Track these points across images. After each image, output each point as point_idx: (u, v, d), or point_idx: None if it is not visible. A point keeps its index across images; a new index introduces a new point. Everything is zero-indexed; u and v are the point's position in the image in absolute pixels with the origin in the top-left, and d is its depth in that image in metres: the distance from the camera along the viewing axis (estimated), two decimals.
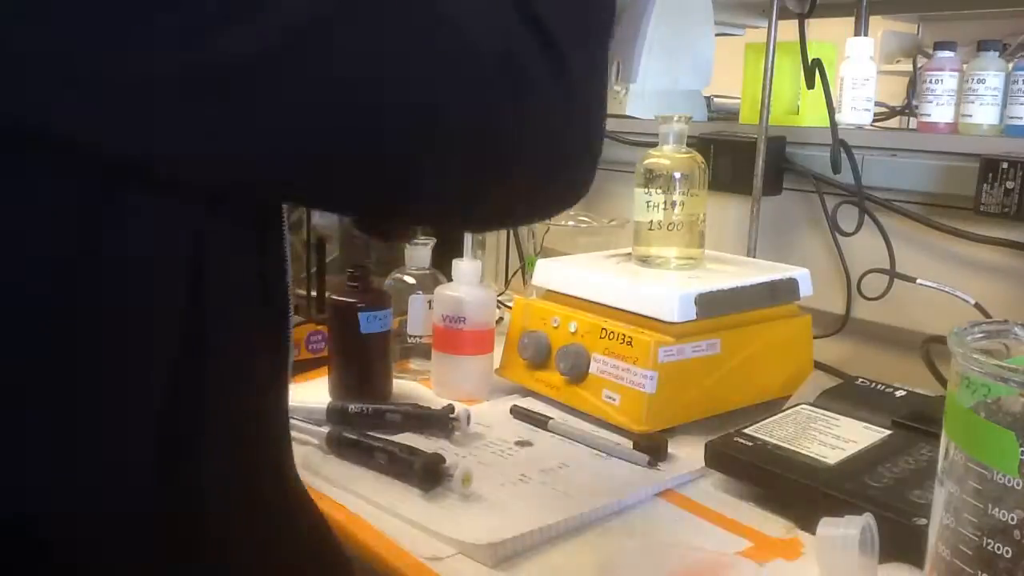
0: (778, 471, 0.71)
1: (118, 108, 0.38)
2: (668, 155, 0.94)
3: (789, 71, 1.12)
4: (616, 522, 0.71)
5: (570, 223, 1.23)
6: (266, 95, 0.39)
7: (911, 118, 1.30)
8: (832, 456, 0.73)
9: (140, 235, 0.42)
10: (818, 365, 1.00)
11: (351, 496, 0.73)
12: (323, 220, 1.21)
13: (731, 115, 1.35)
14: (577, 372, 0.89)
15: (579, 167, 0.49)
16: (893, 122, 1.40)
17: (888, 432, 0.78)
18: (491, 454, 0.82)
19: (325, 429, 0.81)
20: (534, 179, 0.48)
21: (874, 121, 1.17)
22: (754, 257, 1.10)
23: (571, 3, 0.47)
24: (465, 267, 0.95)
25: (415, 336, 1.02)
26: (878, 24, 2.03)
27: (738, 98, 1.25)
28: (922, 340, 0.93)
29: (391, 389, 0.95)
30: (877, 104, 1.16)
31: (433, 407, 0.87)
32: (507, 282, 1.47)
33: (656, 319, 0.86)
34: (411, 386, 0.99)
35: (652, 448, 0.80)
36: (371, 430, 0.81)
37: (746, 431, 0.77)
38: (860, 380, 0.90)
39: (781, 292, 0.94)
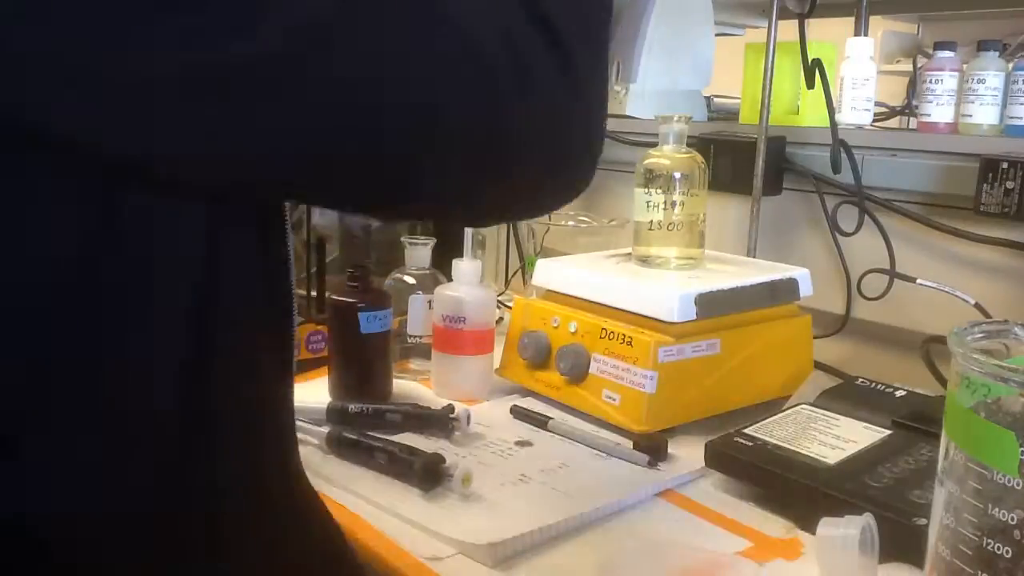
0: (778, 471, 0.71)
1: (118, 108, 0.38)
2: (668, 155, 0.94)
3: (789, 71, 1.12)
4: (616, 522, 0.71)
5: (570, 223, 1.23)
6: (266, 95, 0.39)
7: (911, 118, 1.30)
8: (832, 456, 0.73)
9: (142, 236, 0.43)
10: (818, 365, 1.00)
11: (351, 496, 0.73)
12: (323, 220, 1.21)
13: (731, 115, 1.35)
14: (577, 372, 0.89)
15: (579, 167, 0.49)
16: (893, 122, 1.40)
17: (888, 432, 0.78)
18: (491, 454, 0.82)
19: (325, 429, 0.81)
20: (534, 177, 0.48)
21: (874, 121, 1.17)
22: (754, 257, 1.10)
23: (575, 2, 0.47)
24: (465, 267, 0.95)
25: (415, 336, 1.02)
26: (878, 24, 2.03)
27: (738, 98, 1.25)
28: (922, 340, 0.93)
29: (391, 389, 0.95)
30: (877, 104, 1.16)
31: (433, 407, 0.87)
32: (507, 282, 1.47)
33: (656, 319, 0.86)
34: (411, 386, 0.99)
35: (652, 448, 0.80)
36: (371, 430, 0.81)
37: (746, 431, 0.77)
38: (860, 380, 0.90)
39: (781, 292, 0.94)
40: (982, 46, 1.02)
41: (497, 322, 1.04)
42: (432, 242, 1.04)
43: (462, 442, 0.84)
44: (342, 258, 1.36)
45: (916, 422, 0.78)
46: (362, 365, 0.93)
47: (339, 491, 0.74)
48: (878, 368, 0.97)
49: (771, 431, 0.77)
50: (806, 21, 1.05)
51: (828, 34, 1.18)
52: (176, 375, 0.45)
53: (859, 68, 1.09)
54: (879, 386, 0.87)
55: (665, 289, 0.87)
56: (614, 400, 0.86)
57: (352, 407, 0.86)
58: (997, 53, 1.02)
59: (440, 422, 0.85)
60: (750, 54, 1.18)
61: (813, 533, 0.61)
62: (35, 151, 0.39)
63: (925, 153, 1.00)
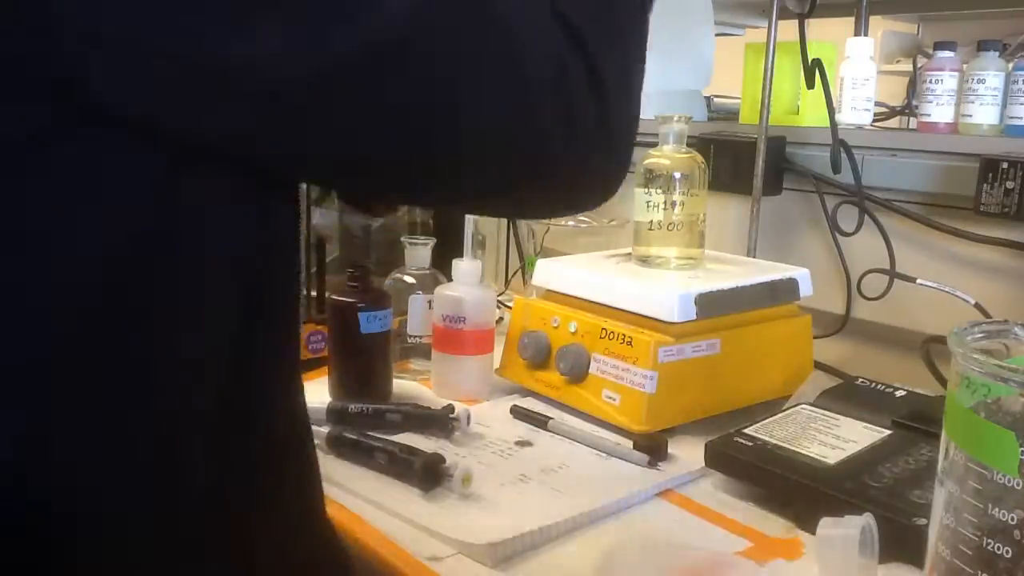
0: (778, 471, 0.71)
1: (221, 101, 0.40)
2: (668, 155, 0.94)
3: (789, 71, 1.12)
4: (616, 522, 0.71)
5: (570, 223, 1.23)
6: (349, 96, 0.41)
7: (911, 118, 1.31)
8: (832, 456, 0.73)
9: (195, 236, 0.43)
10: (818, 365, 1.00)
11: (351, 496, 0.73)
12: (323, 220, 1.21)
13: (731, 115, 1.35)
14: (577, 372, 0.89)
15: (606, 169, 0.52)
16: (893, 122, 1.40)
17: (888, 432, 0.78)
18: (491, 454, 0.82)
19: (325, 429, 0.81)
20: (556, 185, 0.50)
21: (874, 121, 1.17)
22: (754, 257, 1.10)
23: (597, 4, 0.48)
24: (465, 267, 0.95)
25: (415, 336, 1.02)
26: (878, 24, 2.03)
27: (738, 98, 1.25)
28: (922, 340, 0.93)
29: (391, 389, 0.95)
30: (877, 104, 1.16)
31: (433, 407, 0.87)
32: (507, 282, 1.47)
33: (656, 319, 0.86)
34: (411, 386, 0.99)
35: (652, 448, 0.80)
36: (371, 430, 0.81)
37: (746, 431, 0.77)
38: (860, 380, 0.90)
39: (781, 292, 0.94)
40: (982, 46, 1.02)
41: (497, 322, 1.04)
42: (432, 242, 1.04)
43: (462, 442, 0.84)
44: (342, 258, 1.36)
45: (916, 422, 0.78)
46: (362, 365, 0.93)
47: (339, 491, 0.74)
48: (878, 368, 0.97)
49: (771, 431, 0.77)
50: (806, 21, 1.05)
51: (828, 34, 1.18)
52: (222, 375, 0.46)
53: (859, 68, 1.09)
54: (879, 386, 0.87)
55: (665, 289, 0.87)
56: (614, 400, 0.86)
57: (352, 407, 0.86)
58: (997, 53, 1.02)
59: (440, 422, 0.85)
60: (750, 54, 1.18)
61: (813, 533, 0.61)
62: (113, 140, 0.40)
63: (925, 153, 1.00)
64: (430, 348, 0.98)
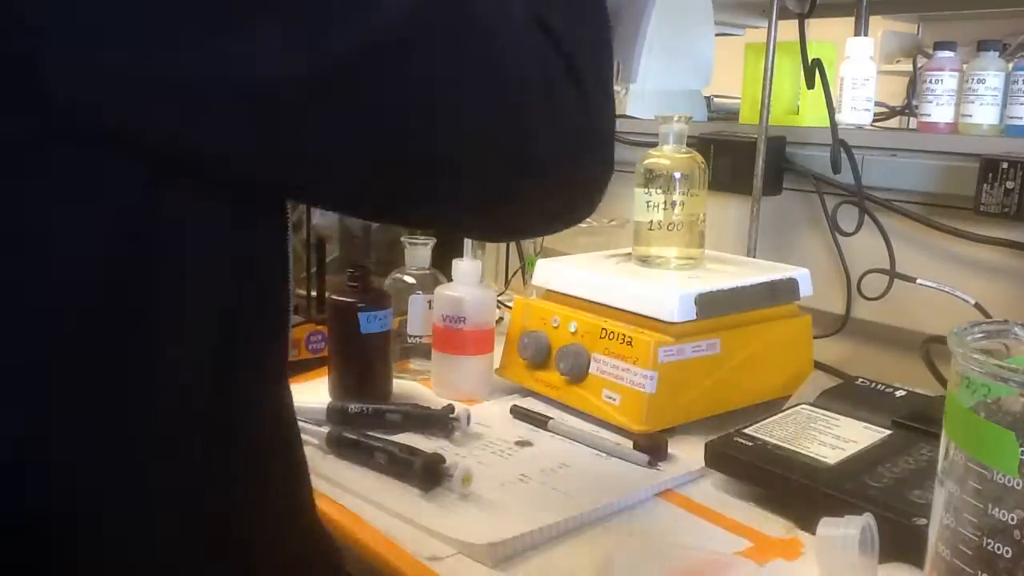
0: (778, 471, 0.71)
1: (202, 109, 0.39)
2: (668, 155, 0.94)
3: (789, 71, 1.12)
4: (616, 522, 0.71)
5: None
6: (347, 98, 0.41)
7: (911, 118, 1.30)
8: (832, 456, 0.73)
9: (176, 241, 0.43)
10: (818, 365, 1.00)
11: (351, 496, 0.73)
12: (323, 220, 1.21)
13: (731, 115, 1.35)
14: (577, 372, 0.89)
15: (592, 169, 0.51)
16: (893, 122, 1.40)
17: (888, 432, 0.78)
18: (491, 454, 0.82)
19: (325, 429, 0.81)
20: (551, 183, 0.49)
21: (874, 121, 1.17)
22: (754, 257, 1.10)
23: (578, 17, 0.48)
24: (465, 267, 0.95)
25: (415, 336, 1.02)
26: (878, 24, 2.03)
27: (738, 98, 1.25)
28: (922, 340, 0.93)
29: (391, 389, 0.95)
30: (877, 104, 1.16)
31: (433, 407, 0.87)
32: (507, 282, 1.47)
33: (656, 319, 0.86)
34: (411, 386, 0.99)
35: (652, 448, 0.80)
36: (371, 430, 0.81)
37: (746, 431, 0.77)
38: (860, 380, 0.90)
39: (781, 292, 0.94)
40: (982, 46, 1.02)
41: (497, 322, 1.04)
42: (432, 242, 1.04)
43: (462, 442, 0.84)
44: (342, 258, 1.36)
45: (916, 422, 0.78)
46: (362, 365, 0.93)
47: (339, 491, 0.74)
48: (878, 368, 0.97)
49: (771, 431, 0.77)
50: (806, 21, 1.05)
51: (828, 34, 1.18)
52: (210, 373, 0.46)
53: (859, 68, 1.09)
54: (879, 386, 0.87)
55: (665, 289, 0.87)
56: (614, 400, 0.86)
57: (352, 407, 0.86)
58: (997, 53, 1.02)
59: (440, 422, 0.85)
60: (750, 54, 1.18)
61: (813, 533, 0.61)
62: (102, 151, 0.40)
63: (925, 153, 1.00)
64: (430, 348, 0.98)
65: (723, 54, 1.38)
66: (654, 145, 0.96)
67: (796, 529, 0.70)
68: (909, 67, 1.71)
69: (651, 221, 0.94)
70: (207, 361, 0.46)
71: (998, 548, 0.46)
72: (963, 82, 1.03)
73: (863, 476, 0.69)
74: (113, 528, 0.44)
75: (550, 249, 1.19)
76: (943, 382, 0.89)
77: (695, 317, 0.85)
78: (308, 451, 0.80)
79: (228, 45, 0.38)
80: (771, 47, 1.07)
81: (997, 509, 0.46)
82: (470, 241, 0.96)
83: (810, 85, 1.06)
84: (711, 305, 0.87)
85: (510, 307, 1.07)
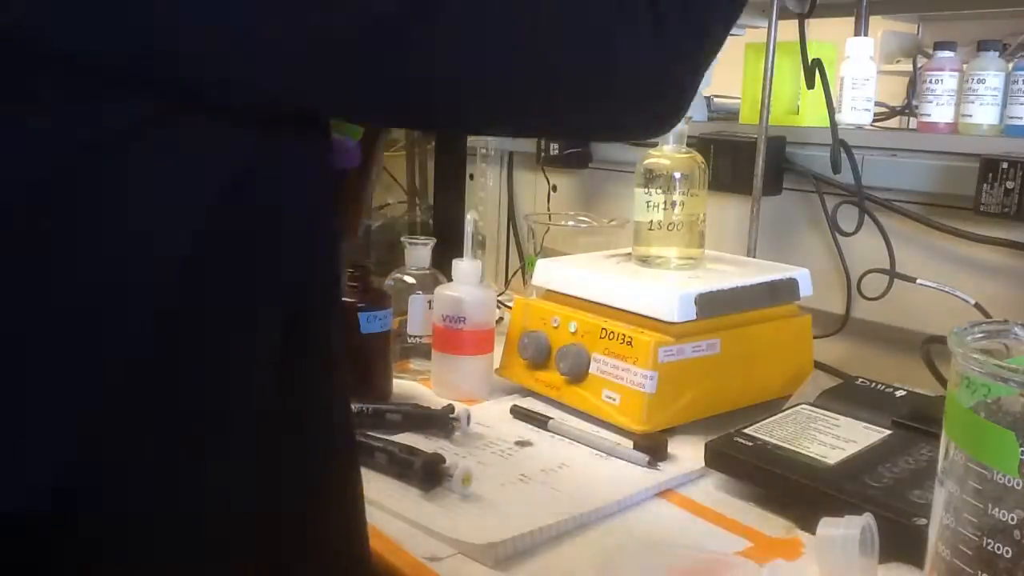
0: (778, 471, 0.71)
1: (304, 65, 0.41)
2: (668, 155, 0.94)
3: (789, 71, 1.12)
4: (616, 522, 0.71)
5: (570, 223, 1.23)
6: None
7: (911, 118, 1.30)
8: (832, 456, 0.73)
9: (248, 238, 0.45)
10: (818, 365, 1.00)
11: None
12: None
13: (731, 115, 1.35)
14: (577, 372, 0.89)
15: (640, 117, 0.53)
16: (893, 122, 1.40)
17: (888, 432, 0.78)
18: (491, 454, 0.82)
19: None
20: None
21: (874, 121, 1.17)
22: (754, 257, 1.10)
23: None
24: (465, 267, 0.95)
25: (415, 336, 1.02)
26: (878, 24, 2.02)
27: (738, 98, 1.25)
28: (922, 340, 0.93)
29: (391, 389, 0.95)
30: (877, 104, 1.16)
31: (433, 407, 0.87)
32: (507, 282, 1.47)
33: (656, 319, 0.86)
34: (411, 386, 0.99)
35: (652, 448, 0.80)
36: (371, 430, 0.81)
37: (746, 431, 0.77)
38: (860, 380, 0.90)
39: (781, 292, 0.94)
40: (982, 46, 1.02)
41: (497, 322, 1.04)
42: (432, 242, 1.04)
43: (462, 442, 0.84)
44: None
45: (916, 422, 0.78)
46: (362, 365, 0.93)
47: None
48: (878, 368, 0.97)
49: (771, 431, 0.77)
50: (806, 21, 1.05)
51: (828, 34, 1.18)
52: (272, 374, 0.46)
53: (859, 68, 1.09)
54: (879, 386, 0.87)
55: (665, 289, 0.87)
56: (614, 400, 0.86)
57: (352, 407, 0.86)
58: (997, 53, 1.02)
59: (440, 422, 0.85)
60: (750, 54, 1.18)
61: (813, 533, 0.61)
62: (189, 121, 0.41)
63: (925, 153, 1.00)
64: (430, 348, 0.98)
65: (723, 54, 1.37)
66: (654, 145, 0.96)
67: (796, 529, 0.70)
68: (909, 67, 1.71)
69: (651, 221, 0.94)
70: (264, 363, 0.46)
71: (998, 548, 0.46)
72: (963, 82, 1.03)
73: (863, 476, 0.69)
74: (138, 528, 0.44)
75: (550, 249, 1.19)
76: (943, 382, 0.89)
77: (695, 317, 0.85)
78: None
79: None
80: (771, 47, 1.07)
81: (997, 509, 0.46)
82: (470, 241, 0.96)
83: (810, 85, 1.06)
84: (711, 305, 0.87)
85: (510, 307, 1.07)
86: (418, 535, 0.67)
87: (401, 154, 1.56)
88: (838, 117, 1.06)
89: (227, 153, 0.43)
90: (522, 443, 0.84)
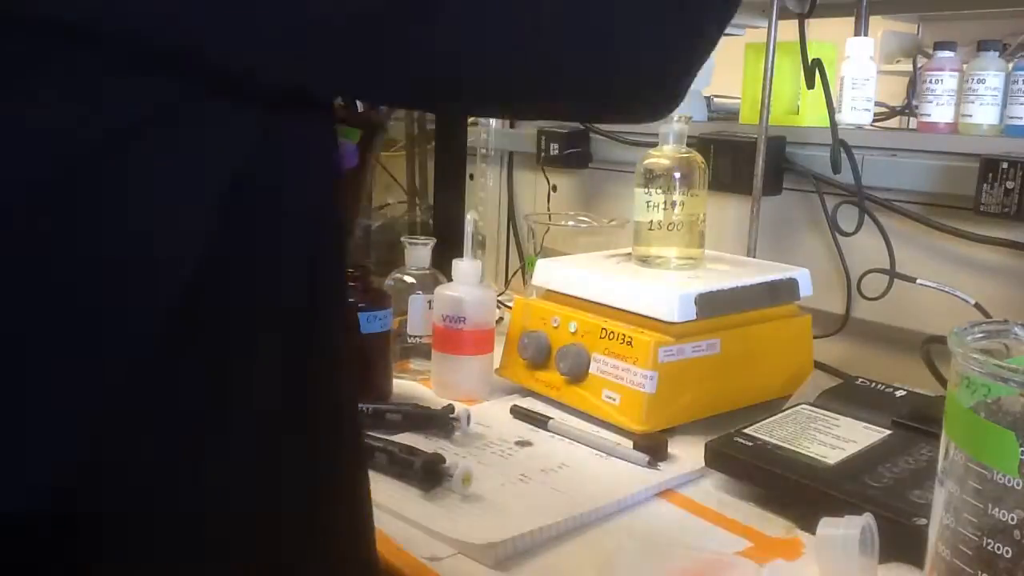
0: (778, 471, 0.71)
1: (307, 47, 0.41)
2: (668, 155, 0.94)
3: (789, 71, 1.12)
4: (616, 522, 0.71)
5: (570, 223, 1.23)
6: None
7: (911, 118, 1.30)
8: (832, 456, 0.73)
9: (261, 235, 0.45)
10: (818, 365, 1.00)
11: None
12: None
13: (731, 115, 1.35)
14: (577, 372, 0.89)
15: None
16: (893, 122, 1.40)
17: (888, 432, 0.78)
18: (491, 454, 0.82)
19: None
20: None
21: (874, 121, 1.17)
22: (754, 257, 1.10)
23: None
24: (465, 267, 0.95)
25: (415, 336, 1.02)
26: (878, 24, 2.03)
27: (738, 98, 1.25)
28: (922, 340, 0.93)
29: (391, 389, 0.95)
30: (877, 104, 1.16)
31: (433, 407, 0.87)
32: (507, 282, 1.47)
33: (656, 319, 0.86)
34: (411, 386, 0.99)
35: (652, 448, 0.80)
36: (371, 430, 0.81)
37: (746, 431, 0.77)
38: (860, 380, 0.90)
39: (781, 292, 0.94)
40: (982, 46, 1.02)
41: (497, 322, 1.04)
42: (432, 242, 1.04)
43: (462, 442, 0.84)
44: None
45: (916, 422, 0.78)
46: (362, 365, 0.93)
47: None
48: (878, 368, 0.97)
49: (771, 431, 0.77)
50: (806, 21, 1.05)
51: (828, 34, 1.18)
52: (277, 373, 0.46)
53: (859, 68, 1.09)
54: (879, 386, 0.87)
55: (665, 289, 0.87)
56: (614, 400, 0.86)
57: None
58: (997, 53, 1.02)
59: (440, 422, 0.85)
60: (750, 54, 1.18)
61: (813, 533, 0.61)
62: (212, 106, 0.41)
63: (925, 153, 1.00)
64: (430, 348, 0.98)
65: (723, 54, 1.37)
66: (654, 145, 0.96)
67: (796, 529, 0.70)
68: (909, 67, 1.71)
69: (651, 221, 0.94)
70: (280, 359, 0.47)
71: (998, 548, 0.46)
72: (963, 82, 1.03)
73: (863, 476, 0.69)
74: (139, 528, 0.44)
75: (550, 249, 1.19)
76: (943, 382, 0.89)
77: (695, 317, 0.85)
78: None
79: None
80: (771, 47, 1.07)
81: (997, 509, 0.46)
82: (470, 241, 0.96)
83: (810, 85, 1.06)
84: (711, 305, 0.87)
85: (510, 307, 1.07)
86: (418, 535, 0.67)
87: (401, 154, 1.56)
88: (838, 117, 1.06)
89: (228, 152, 0.43)
90: (522, 443, 0.84)
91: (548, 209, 1.40)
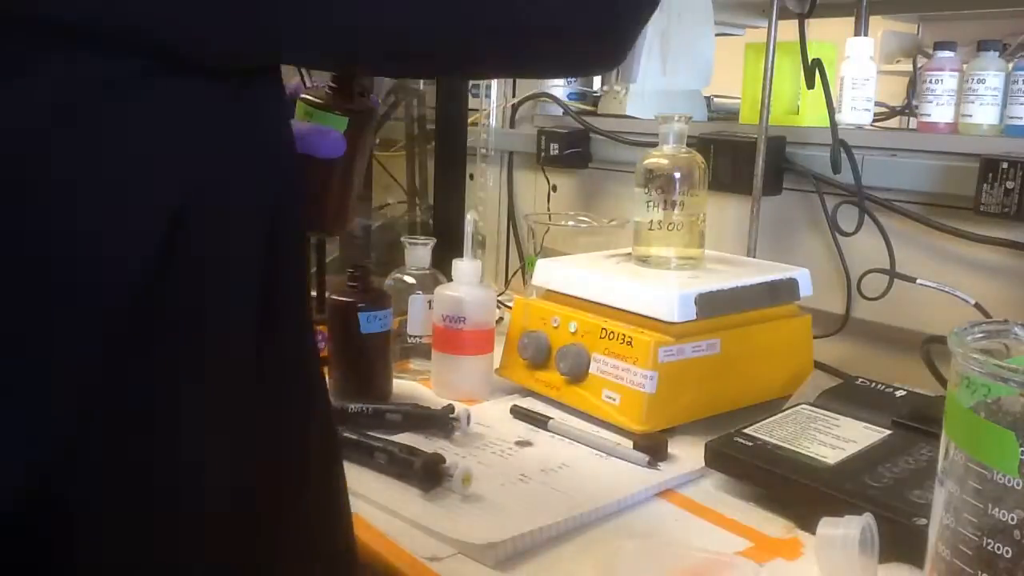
0: (778, 471, 0.71)
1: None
2: (668, 155, 0.94)
3: (789, 71, 1.12)
4: (616, 522, 0.71)
5: (570, 223, 1.23)
6: None
7: (911, 118, 1.30)
8: (832, 456, 0.73)
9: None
10: (818, 365, 1.00)
11: (351, 496, 0.73)
12: None
13: (731, 115, 1.35)
14: (577, 372, 0.89)
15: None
16: (893, 122, 1.40)
17: (888, 432, 0.78)
18: (491, 454, 0.82)
19: None
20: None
21: (874, 121, 1.17)
22: (754, 257, 1.10)
23: None
24: (465, 267, 0.95)
25: (415, 336, 1.02)
26: (878, 24, 2.03)
27: (738, 98, 1.25)
28: (922, 340, 0.93)
29: (391, 389, 0.95)
30: (877, 104, 1.16)
31: (433, 407, 0.87)
32: (507, 282, 1.47)
33: (656, 319, 0.86)
34: (411, 386, 0.99)
35: (652, 448, 0.80)
36: (371, 430, 0.81)
37: (746, 431, 0.77)
38: (860, 380, 0.90)
39: (781, 292, 0.94)
40: (982, 46, 1.02)
41: (497, 322, 1.04)
42: (432, 242, 1.04)
43: (462, 442, 0.84)
44: (342, 258, 1.36)
45: (916, 422, 0.78)
46: (362, 365, 0.93)
47: None
48: (878, 368, 0.97)
49: (771, 431, 0.77)
50: (806, 21, 1.05)
51: (828, 34, 1.18)
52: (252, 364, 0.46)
53: (859, 68, 1.09)
54: (879, 386, 0.87)
55: (665, 289, 0.87)
56: (614, 400, 0.86)
57: (352, 407, 0.86)
58: (997, 53, 1.02)
59: (440, 422, 0.85)
60: (750, 54, 1.18)
61: (813, 533, 0.61)
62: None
63: (925, 153, 1.00)
64: (430, 348, 0.98)
65: (723, 54, 1.38)
66: (654, 145, 0.96)
67: (796, 529, 0.70)
68: (909, 67, 1.71)
69: (651, 221, 0.94)
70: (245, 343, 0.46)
71: (998, 548, 0.46)
72: (963, 82, 1.03)
73: (863, 476, 0.69)
74: (134, 527, 0.44)
75: (550, 249, 1.19)
76: (943, 382, 0.89)
77: (695, 317, 0.85)
78: None
79: None
80: (771, 47, 1.07)
81: (997, 509, 0.46)
82: (470, 241, 0.96)
83: (810, 85, 1.06)
84: (711, 305, 0.87)
85: (510, 307, 1.07)
86: (418, 535, 0.67)
87: (401, 154, 1.56)
88: (838, 117, 1.06)
89: (197, 111, 0.42)
90: (522, 443, 0.84)
91: (548, 209, 1.40)
